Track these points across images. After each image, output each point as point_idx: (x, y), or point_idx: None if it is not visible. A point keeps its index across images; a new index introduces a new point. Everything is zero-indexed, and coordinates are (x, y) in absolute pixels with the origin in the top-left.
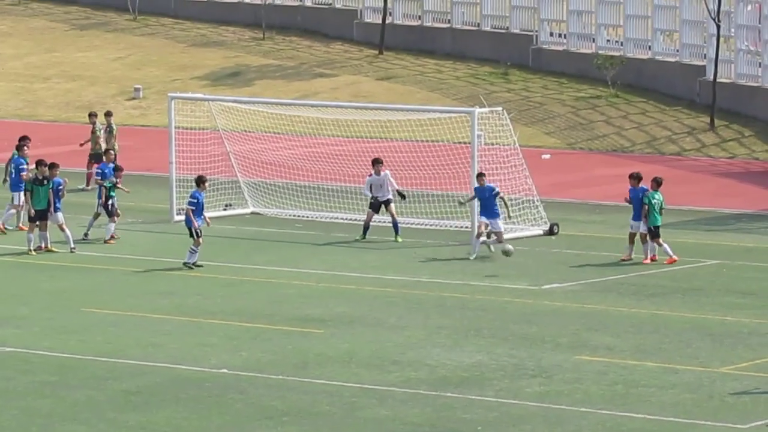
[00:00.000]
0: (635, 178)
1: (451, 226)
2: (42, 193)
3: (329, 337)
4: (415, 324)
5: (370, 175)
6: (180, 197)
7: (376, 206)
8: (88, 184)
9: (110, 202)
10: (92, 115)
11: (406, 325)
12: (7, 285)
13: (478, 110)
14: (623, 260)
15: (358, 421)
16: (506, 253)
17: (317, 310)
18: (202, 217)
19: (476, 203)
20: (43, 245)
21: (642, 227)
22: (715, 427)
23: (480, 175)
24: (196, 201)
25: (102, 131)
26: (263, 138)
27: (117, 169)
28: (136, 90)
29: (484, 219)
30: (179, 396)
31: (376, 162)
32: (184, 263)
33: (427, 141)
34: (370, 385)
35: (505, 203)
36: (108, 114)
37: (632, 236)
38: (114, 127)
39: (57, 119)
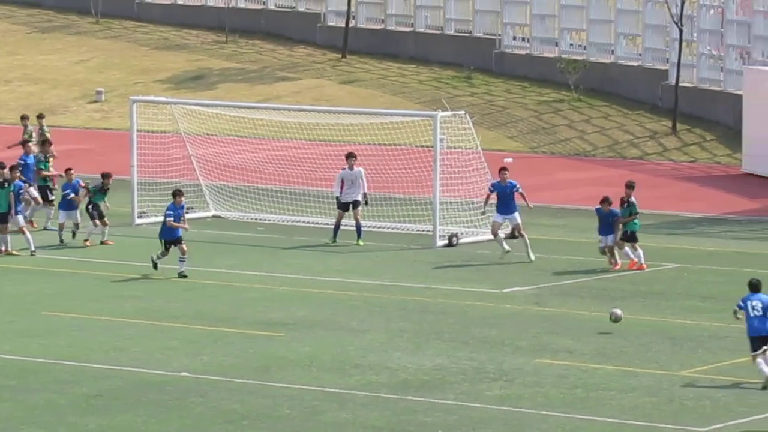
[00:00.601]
0: (606, 202)
1: (413, 230)
2: (2, 197)
3: (291, 340)
4: (377, 327)
5: (343, 168)
6: (141, 201)
7: (344, 206)
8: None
9: (90, 206)
10: (24, 118)
11: (368, 328)
12: None
13: (440, 114)
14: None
15: (318, 425)
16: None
17: (279, 314)
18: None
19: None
20: (3, 248)
21: (610, 240)
22: (674, 430)
23: (503, 170)
24: (172, 213)
25: (34, 134)
26: (225, 141)
27: (106, 176)
28: (98, 93)
29: (499, 218)
30: (140, 400)
31: (350, 156)
32: (179, 273)
33: (390, 145)
34: (331, 389)
35: (524, 197)
36: (40, 116)
37: (603, 250)
38: (46, 129)
39: (18, 122)
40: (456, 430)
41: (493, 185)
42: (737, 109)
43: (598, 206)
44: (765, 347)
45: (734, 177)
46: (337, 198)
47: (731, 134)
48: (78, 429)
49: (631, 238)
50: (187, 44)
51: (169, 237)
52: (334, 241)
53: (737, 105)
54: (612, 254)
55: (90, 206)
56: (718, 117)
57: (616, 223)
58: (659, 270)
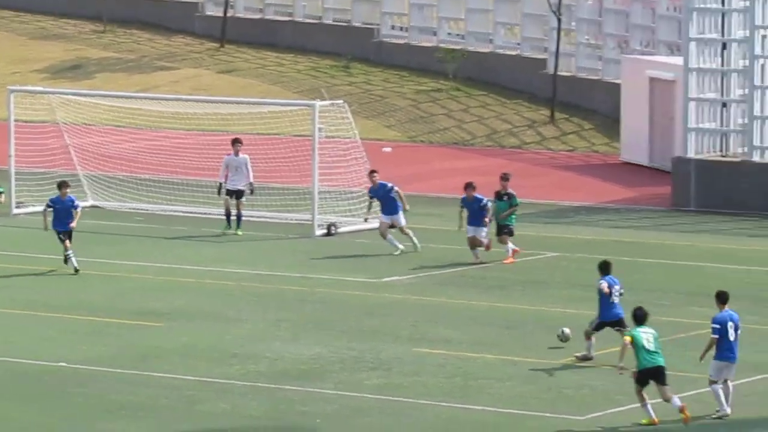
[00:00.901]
0: (470, 187)
1: (291, 220)
2: None
3: (169, 330)
4: (255, 317)
5: (229, 154)
6: (18, 191)
7: (229, 193)
8: None
9: None
10: None
11: (246, 318)
12: None
13: (319, 103)
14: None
15: (197, 415)
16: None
17: (157, 304)
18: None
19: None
20: None
21: (483, 233)
22: (553, 418)
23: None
24: (52, 206)
25: None
26: (104, 131)
27: None
28: None
29: (386, 219)
30: (18, 390)
31: (236, 142)
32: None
33: (268, 134)
34: (209, 378)
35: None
36: None
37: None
38: None
39: None
40: (334, 419)
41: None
42: (615, 98)
43: (463, 195)
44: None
45: (612, 166)
46: (220, 185)
47: (609, 123)
48: None
49: (509, 232)
50: (64, 34)
51: (63, 228)
52: (229, 227)
53: (615, 94)
54: (477, 247)
55: None
56: (596, 106)
57: (485, 209)
58: (538, 259)
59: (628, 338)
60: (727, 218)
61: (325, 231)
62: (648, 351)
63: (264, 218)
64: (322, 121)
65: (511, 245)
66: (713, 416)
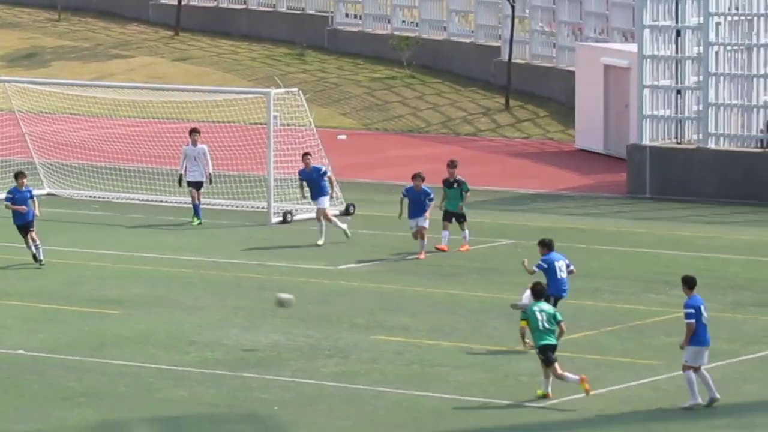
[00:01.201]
0: (419, 178)
1: (247, 207)
2: None
3: (126, 318)
4: (212, 305)
5: (187, 144)
6: None
7: (190, 184)
8: None
9: None
10: None
11: (203, 305)
12: None
13: (273, 91)
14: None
15: (155, 402)
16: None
17: (114, 292)
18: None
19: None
20: None
21: (425, 222)
22: (510, 405)
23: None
24: (11, 197)
25: None
26: (60, 119)
27: None
28: None
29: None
30: None
31: (193, 131)
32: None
33: (223, 122)
34: (166, 366)
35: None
36: None
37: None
38: None
39: None
40: (292, 406)
41: (300, 172)
42: (569, 85)
43: (409, 186)
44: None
45: (567, 153)
46: (180, 176)
47: (564, 110)
48: None
49: (460, 217)
50: (19, 22)
51: (22, 222)
52: (200, 222)
53: (569, 81)
54: (423, 238)
55: None
56: (550, 93)
57: (431, 203)
58: (493, 246)
59: (523, 323)
60: (683, 205)
61: (281, 218)
62: (540, 331)
63: (220, 206)
64: (277, 109)
65: (465, 233)
66: (684, 406)
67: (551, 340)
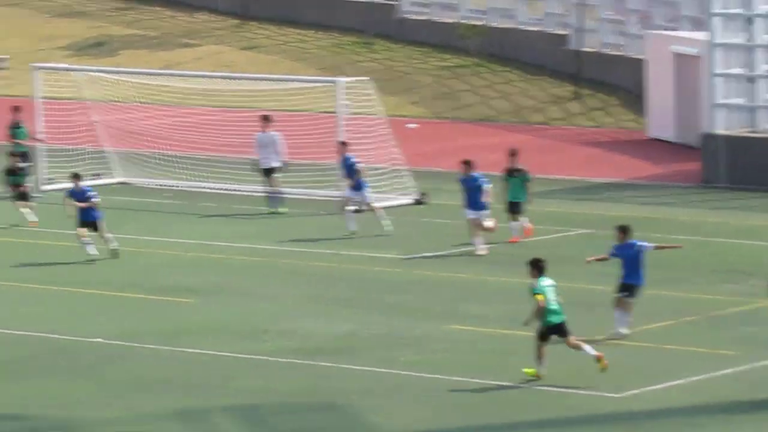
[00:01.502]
0: (468, 164)
1: (319, 196)
2: None
3: (201, 306)
4: (287, 293)
5: (260, 132)
6: (50, 168)
7: (264, 172)
8: None
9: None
10: None
11: (278, 294)
12: None
13: (343, 80)
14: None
15: (231, 391)
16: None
17: (188, 280)
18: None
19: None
20: None
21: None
22: (589, 395)
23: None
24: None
25: None
26: (130, 108)
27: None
28: (2, 60)
29: (350, 194)
30: (55, 366)
31: (263, 119)
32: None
33: (293, 111)
34: (243, 355)
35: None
36: None
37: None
38: None
39: None
40: (370, 396)
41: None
42: (638, 74)
43: (462, 175)
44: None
45: (639, 142)
46: (254, 163)
47: (632, 99)
48: None
49: (516, 207)
50: (87, 11)
51: (86, 219)
52: (277, 210)
53: (638, 70)
54: (479, 230)
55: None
56: (619, 82)
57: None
58: (567, 236)
59: (541, 297)
60: (759, 194)
61: (354, 207)
62: (551, 310)
63: (292, 195)
64: (346, 98)
65: (520, 223)
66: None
67: (564, 316)
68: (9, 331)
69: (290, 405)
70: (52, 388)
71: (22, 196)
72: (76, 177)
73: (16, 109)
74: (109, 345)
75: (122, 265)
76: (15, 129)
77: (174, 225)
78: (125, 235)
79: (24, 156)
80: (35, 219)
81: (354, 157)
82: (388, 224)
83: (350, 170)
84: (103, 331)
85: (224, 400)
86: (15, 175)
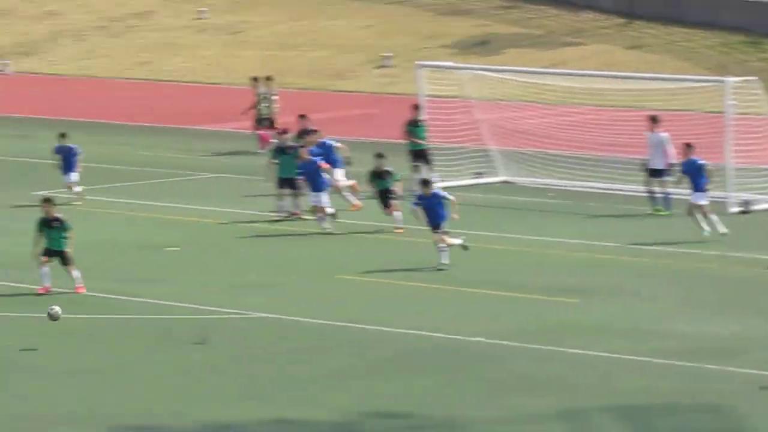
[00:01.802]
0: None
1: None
2: (288, 162)
3: (584, 306)
4: (669, 294)
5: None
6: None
7: (650, 172)
8: (261, 147)
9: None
10: (255, 80)
11: (660, 295)
12: (259, 252)
13: (731, 80)
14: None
15: (614, 392)
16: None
17: (572, 280)
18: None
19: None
20: (296, 212)
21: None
22: None
23: (653, 118)
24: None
25: (264, 96)
26: (514, 107)
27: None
28: (386, 58)
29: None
30: (436, 364)
31: (652, 119)
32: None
33: (679, 111)
34: (625, 356)
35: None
36: (269, 78)
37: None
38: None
39: (307, 87)
40: (753, 399)
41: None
42: None
43: (691, 158)
44: None
45: None
46: (643, 163)
47: None
48: (375, 392)
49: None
50: (471, 9)
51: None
52: (664, 209)
53: None
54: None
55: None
56: None
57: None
58: None
59: None
60: None
61: (740, 208)
62: None
63: (676, 195)
64: (733, 98)
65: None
66: None
67: None
68: (390, 329)
69: (671, 406)
70: (434, 387)
71: (385, 201)
72: (425, 184)
73: (416, 107)
74: (490, 344)
75: (505, 265)
76: (413, 127)
77: (557, 225)
78: (508, 234)
79: (420, 155)
80: (401, 228)
81: (700, 159)
82: None
83: (697, 172)
84: (485, 330)
85: (606, 400)
86: (381, 179)
